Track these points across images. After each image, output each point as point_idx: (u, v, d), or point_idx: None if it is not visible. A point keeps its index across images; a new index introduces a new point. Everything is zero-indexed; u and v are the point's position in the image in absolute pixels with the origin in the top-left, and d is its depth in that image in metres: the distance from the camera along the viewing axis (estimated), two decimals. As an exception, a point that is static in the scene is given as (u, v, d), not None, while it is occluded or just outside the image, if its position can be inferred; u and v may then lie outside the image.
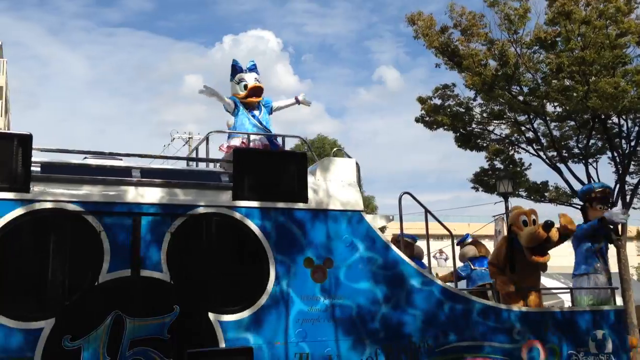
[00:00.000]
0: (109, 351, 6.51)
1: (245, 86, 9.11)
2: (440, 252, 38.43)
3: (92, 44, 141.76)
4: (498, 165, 23.95)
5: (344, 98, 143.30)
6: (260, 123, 8.95)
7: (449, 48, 21.26)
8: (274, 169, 7.60)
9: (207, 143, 8.71)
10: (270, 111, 9.34)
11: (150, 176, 7.25)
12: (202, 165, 9.22)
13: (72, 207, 6.68)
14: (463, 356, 7.96)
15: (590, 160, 21.93)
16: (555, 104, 20.85)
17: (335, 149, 8.39)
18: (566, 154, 22.53)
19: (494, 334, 8.14)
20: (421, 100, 23.07)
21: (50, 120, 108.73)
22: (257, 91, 9.10)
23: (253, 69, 9.33)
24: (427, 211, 8.59)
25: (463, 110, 22.81)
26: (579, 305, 9.12)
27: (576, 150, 22.57)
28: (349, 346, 7.48)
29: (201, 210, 7.17)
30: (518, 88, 21.26)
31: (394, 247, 7.97)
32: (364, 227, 7.85)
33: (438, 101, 22.99)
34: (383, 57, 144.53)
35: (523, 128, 22.69)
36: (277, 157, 7.82)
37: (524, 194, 23.65)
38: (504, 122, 23.21)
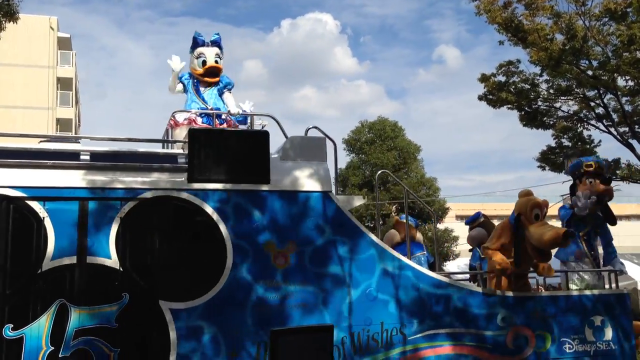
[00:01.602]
0: (53, 341, 6.30)
1: (204, 62, 8.66)
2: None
3: (155, 34, 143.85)
4: (566, 143, 23.65)
5: (404, 79, 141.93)
6: (205, 102, 8.52)
7: (512, 23, 20.73)
8: (232, 149, 7.24)
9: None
10: (221, 92, 8.79)
11: (101, 159, 6.98)
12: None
13: (13, 192, 6.46)
14: (441, 344, 7.52)
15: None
16: (627, 77, 20.12)
17: (310, 127, 7.93)
18: (639, 130, 21.92)
19: (476, 320, 7.65)
20: (484, 78, 22.70)
21: (117, 110, 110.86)
22: (213, 71, 8.66)
23: (216, 42, 8.83)
24: (405, 189, 8.13)
25: (528, 87, 22.44)
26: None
27: (650, 126, 21.90)
28: (314, 334, 7.11)
29: (153, 193, 6.87)
30: (587, 62, 20.71)
31: (364, 229, 7.54)
32: (332, 209, 7.44)
33: (502, 78, 22.58)
34: (444, 35, 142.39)
35: (592, 104, 22.20)
36: (235, 137, 7.43)
37: (594, 172, 23.00)
38: (571, 98, 22.78)
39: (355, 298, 7.32)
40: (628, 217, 58.74)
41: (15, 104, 37.79)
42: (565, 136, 23.58)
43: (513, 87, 22.36)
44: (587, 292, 8.18)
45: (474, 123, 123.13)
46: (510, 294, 7.85)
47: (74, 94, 43.37)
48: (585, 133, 23.29)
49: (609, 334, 8.08)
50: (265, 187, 7.24)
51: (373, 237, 7.54)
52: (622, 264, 8.77)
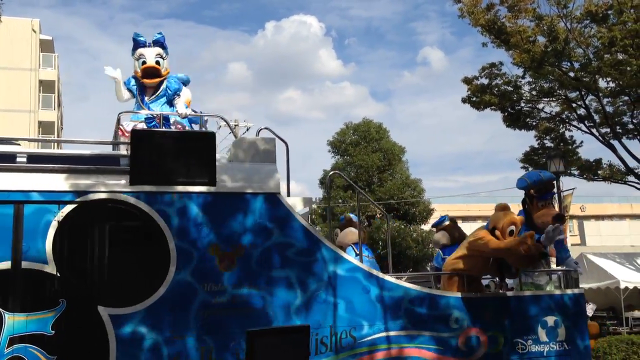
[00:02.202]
0: (-15, 349, 6.14)
1: (144, 63, 8.38)
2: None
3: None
4: (548, 144, 23.75)
5: (389, 81, 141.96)
6: (149, 109, 8.25)
7: (495, 25, 20.84)
8: (176, 150, 7.08)
9: (118, 124, 8.18)
10: (170, 101, 8.41)
11: (39, 161, 6.82)
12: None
13: (-56, 196, 6.30)
14: (391, 346, 7.38)
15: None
16: (608, 79, 20.22)
17: (262, 127, 7.80)
18: (620, 130, 22.08)
19: (427, 322, 7.52)
20: (467, 81, 22.85)
21: (99, 112, 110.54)
22: (150, 72, 8.31)
23: (159, 41, 8.48)
24: (356, 188, 7.98)
25: (511, 89, 22.52)
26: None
27: (630, 126, 22.05)
28: (261, 338, 6.97)
29: (93, 196, 6.71)
30: (568, 64, 20.73)
31: (314, 232, 7.40)
32: (281, 211, 7.29)
33: (485, 81, 22.78)
34: (429, 38, 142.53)
35: (574, 105, 22.29)
36: (180, 138, 7.29)
37: (576, 172, 23.39)
38: (554, 99, 22.88)
39: (304, 301, 7.17)
40: (610, 217, 58.96)
41: (-3, 107, 37.56)
42: (547, 137, 23.67)
43: (496, 89, 22.46)
44: (541, 293, 8.07)
45: (458, 124, 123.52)
46: (462, 295, 7.73)
47: (57, 96, 43.17)
48: (568, 134, 23.39)
49: (562, 334, 7.97)
50: (210, 189, 7.09)
51: (323, 239, 7.40)
52: (576, 263, 8.65)
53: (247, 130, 36.93)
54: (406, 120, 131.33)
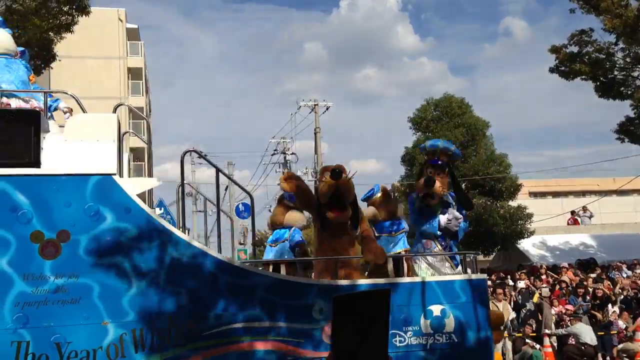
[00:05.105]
0: None
1: None
2: (584, 209, 35.66)
3: (221, 21, 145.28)
4: None
5: (469, 55, 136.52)
6: None
7: None
8: None
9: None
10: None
11: None
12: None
13: None
14: (241, 339, 6.67)
15: None
16: None
17: (119, 104, 7.22)
18: None
19: (286, 312, 6.73)
20: (555, 50, 21.97)
21: (185, 97, 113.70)
22: None
23: None
24: (217, 169, 7.28)
25: (603, 57, 21.38)
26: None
27: None
28: (86, 331, 6.45)
29: None
30: None
31: (154, 215, 6.78)
32: (116, 194, 6.69)
33: (574, 49, 21.85)
34: (512, 8, 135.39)
35: None
36: (-1, 117, 6.81)
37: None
38: None
39: (139, 290, 6.58)
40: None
41: (90, 95, 38.94)
42: (644, 106, 22.10)
43: (587, 57, 21.35)
44: (426, 279, 7.09)
45: (545, 96, 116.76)
46: (329, 282, 6.89)
47: (144, 83, 44.52)
48: (666, 101, 21.69)
49: (450, 324, 6.96)
50: (34, 171, 6.61)
51: (164, 222, 6.77)
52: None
53: (327, 109, 36.51)
54: (489, 94, 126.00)
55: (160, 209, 20.60)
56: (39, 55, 20.22)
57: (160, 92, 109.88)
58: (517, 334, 15.56)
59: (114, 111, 7.26)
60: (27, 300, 6.38)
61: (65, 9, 19.71)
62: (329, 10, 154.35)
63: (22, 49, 8.26)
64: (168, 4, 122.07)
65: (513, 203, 35.51)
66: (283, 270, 7.43)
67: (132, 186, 6.87)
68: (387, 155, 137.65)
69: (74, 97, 7.33)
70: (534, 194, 47.63)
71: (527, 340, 15.05)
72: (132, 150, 40.00)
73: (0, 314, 6.31)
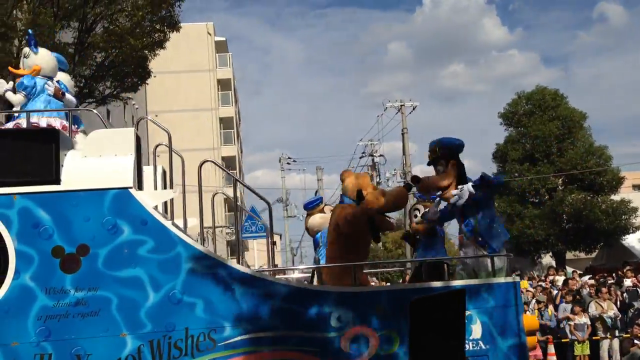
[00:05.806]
0: None
1: None
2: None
3: (305, 28, 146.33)
4: None
5: (562, 44, 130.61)
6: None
7: None
8: (14, 148, 6.86)
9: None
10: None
11: None
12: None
13: None
14: (258, 349, 6.61)
15: None
16: None
17: (141, 118, 7.35)
18: None
19: (303, 322, 6.61)
20: None
21: (272, 104, 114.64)
22: None
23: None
24: (235, 179, 7.26)
25: None
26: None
27: None
28: (106, 343, 6.56)
29: None
30: None
31: (171, 227, 6.82)
32: (132, 207, 6.79)
33: None
34: None
35: None
36: (15, 136, 7.02)
37: None
38: None
39: (156, 302, 6.65)
40: None
41: (184, 108, 40.09)
42: None
43: None
44: (455, 283, 6.82)
45: None
46: (347, 289, 6.73)
47: (233, 93, 45.38)
48: None
49: (477, 331, 6.66)
50: (54, 188, 6.79)
51: (180, 233, 6.81)
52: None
53: (414, 109, 36.09)
54: (585, 83, 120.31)
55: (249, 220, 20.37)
56: (135, 73, 21.17)
57: (248, 100, 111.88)
58: (624, 335, 14.91)
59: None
60: (49, 313, 6.55)
61: (157, 26, 20.45)
62: (412, 9, 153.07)
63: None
64: (253, 14, 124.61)
65: (616, 197, 34.13)
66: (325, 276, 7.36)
67: (150, 198, 6.95)
68: (477, 152, 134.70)
69: (98, 115, 7.50)
70: (638, 187, 45.51)
71: (636, 342, 14.31)
72: (223, 159, 41.34)
73: (24, 328, 6.51)
